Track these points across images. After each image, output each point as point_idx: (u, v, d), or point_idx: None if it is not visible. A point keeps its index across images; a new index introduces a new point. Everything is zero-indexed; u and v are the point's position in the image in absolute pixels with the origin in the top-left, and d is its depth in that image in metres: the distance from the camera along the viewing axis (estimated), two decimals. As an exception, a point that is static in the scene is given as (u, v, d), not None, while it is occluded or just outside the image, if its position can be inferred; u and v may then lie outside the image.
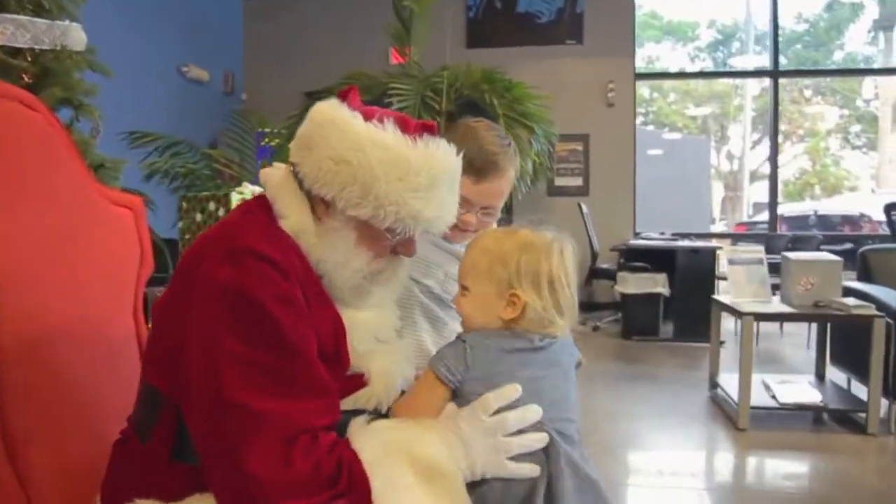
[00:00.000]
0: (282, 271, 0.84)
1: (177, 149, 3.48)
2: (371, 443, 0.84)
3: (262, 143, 6.02)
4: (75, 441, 1.13)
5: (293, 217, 0.92)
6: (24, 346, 1.08)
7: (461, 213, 1.09)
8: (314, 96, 4.80)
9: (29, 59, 1.57)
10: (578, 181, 6.48)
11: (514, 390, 0.88)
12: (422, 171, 0.90)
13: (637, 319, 5.03)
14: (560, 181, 6.43)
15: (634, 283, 5.01)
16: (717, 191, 17.63)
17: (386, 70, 5.65)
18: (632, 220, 6.42)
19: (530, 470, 0.86)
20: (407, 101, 4.98)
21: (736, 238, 7.65)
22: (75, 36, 1.68)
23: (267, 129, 6.28)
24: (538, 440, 0.88)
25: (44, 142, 1.36)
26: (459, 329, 1.05)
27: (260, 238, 0.87)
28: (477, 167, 1.16)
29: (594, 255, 5.78)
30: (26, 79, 1.53)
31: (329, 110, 0.92)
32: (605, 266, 5.74)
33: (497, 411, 0.87)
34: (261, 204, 0.96)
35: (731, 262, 3.38)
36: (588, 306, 6.23)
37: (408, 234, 0.92)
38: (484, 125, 1.25)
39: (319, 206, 0.93)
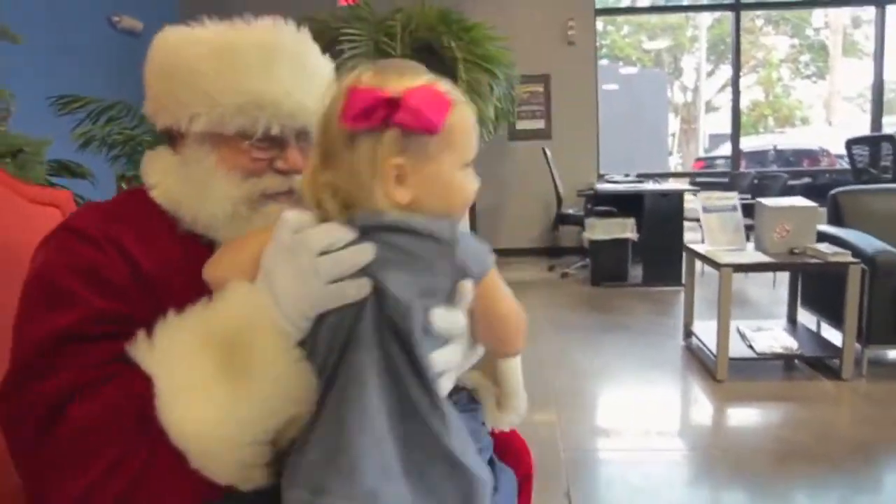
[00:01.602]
0: (92, 241, 0.75)
1: (112, 112, 3.17)
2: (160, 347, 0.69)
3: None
4: None
5: (155, 176, 0.83)
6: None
7: None
8: None
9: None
10: (540, 124, 6.32)
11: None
12: (251, 50, 0.79)
13: (606, 265, 4.99)
14: (522, 125, 6.26)
15: (603, 229, 4.94)
16: (673, 123, 17.69)
17: (335, 13, 5.30)
18: (595, 162, 6.32)
19: (357, 288, 0.65)
20: (359, 48, 4.69)
21: (699, 177, 7.64)
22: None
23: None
24: (361, 251, 0.66)
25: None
26: None
27: (85, 214, 0.82)
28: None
29: (559, 200, 5.68)
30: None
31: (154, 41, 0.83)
32: (570, 211, 5.66)
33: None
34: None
35: (705, 209, 3.30)
36: (555, 252, 6.18)
37: (264, 130, 0.79)
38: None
39: (175, 143, 0.84)
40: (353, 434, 0.63)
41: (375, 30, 4.86)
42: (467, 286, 0.68)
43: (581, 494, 2.09)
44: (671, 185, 5.35)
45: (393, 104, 0.66)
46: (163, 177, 0.83)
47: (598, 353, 3.50)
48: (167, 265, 0.78)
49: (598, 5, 6.37)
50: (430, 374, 0.67)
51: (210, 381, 0.65)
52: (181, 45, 0.80)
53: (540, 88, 6.23)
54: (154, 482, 0.66)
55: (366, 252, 0.65)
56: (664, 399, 2.88)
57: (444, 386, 0.69)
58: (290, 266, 0.66)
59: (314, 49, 0.87)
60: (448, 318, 0.67)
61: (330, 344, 0.67)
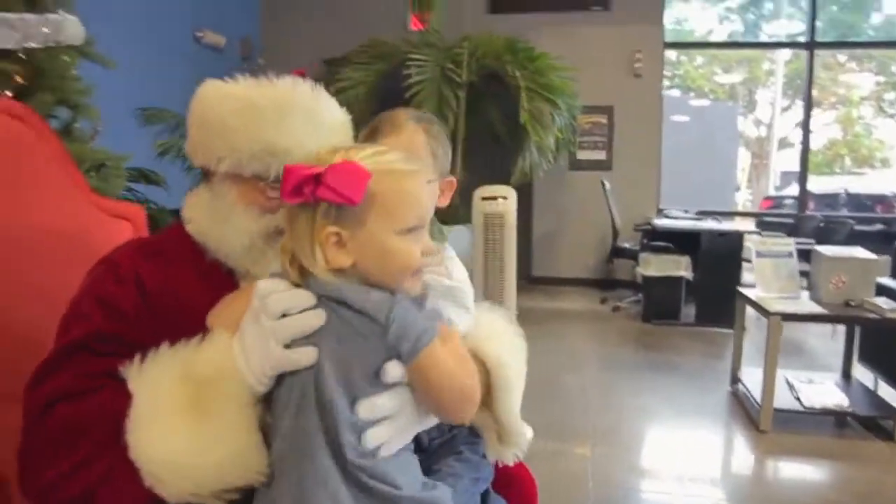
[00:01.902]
0: (117, 276, 0.89)
1: (189, 125, 3.38)
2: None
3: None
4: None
5: (190, 212, 0.95)
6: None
7: None
8: (333, 63, 4.62)
9: (23, 56, 1.47)
10: (601, 155, 6.30)
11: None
12: (268, 107, 0.89)
13: (658, 302, 4.92)
14: (582, 155, 6.25)
15: (657, 265, 4.88)
16: (744, 158, 17.22)
17: (406, 38, 5.46)
18: (656, 197, 6.25)
19: (305, 355, 0.73)
20: (425, 73, 4.83)
21: (763, 217, 7.42)
22: (71, 31, 1.57)
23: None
24: (314, 317, 0.74)
25: (30, 157, 1.28)
26: None
27: (125, 249, 0.95)
28: (372, 132, 1.03)
29: (615, 233, 5.65)
30: (19, 80, 1.44)
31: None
32: (626, 245, 5.61)
33: None
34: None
35: (759, 254, 3.24)
36: (608, 284, 6.13)
37: (276, 174, 0.88)
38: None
39: (207, 179, 0.95)
40: (310, 487, 0.73)
41: (443, 56, 4.98)
42: (393, 369, 0.73)
43: (606, 534, 2.09)
44: (730, 224, 5.24)
45: (318, 180, 0.73)
46: (196, 212, 0.95)
47: (642, 391, 3.47)
48: (187, 294, 0.89)
49: (669, 38, 6.34)
50: (350, 457, 0.73)
51: (178, 412, 0.74)
52: (215, 99, 0.92)
53: (603, 119, 6.22)
54: (116, 484, 0.76)
55: (316, 318, 0.74)
56: (703, 444, 2.83)
57: (379, 435, 0.75)
58: (255, 327, 0.75)
59: (328, 104, 0.95)
60: (375, 408, 0.74)
61: (286, 402, 0.75)
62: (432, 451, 1.06)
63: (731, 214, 6.83)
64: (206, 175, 0.95)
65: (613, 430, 2.94)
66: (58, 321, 0.89)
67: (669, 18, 9.05)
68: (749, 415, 3.04)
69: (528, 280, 6.43)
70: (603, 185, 5.71)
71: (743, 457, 2.76)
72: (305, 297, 0.75)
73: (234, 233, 0.90)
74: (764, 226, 6.58)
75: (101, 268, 0.92)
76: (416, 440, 0.87)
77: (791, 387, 3.11)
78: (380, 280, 0.77)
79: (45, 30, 1.48)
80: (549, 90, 4.90)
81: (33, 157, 1.27)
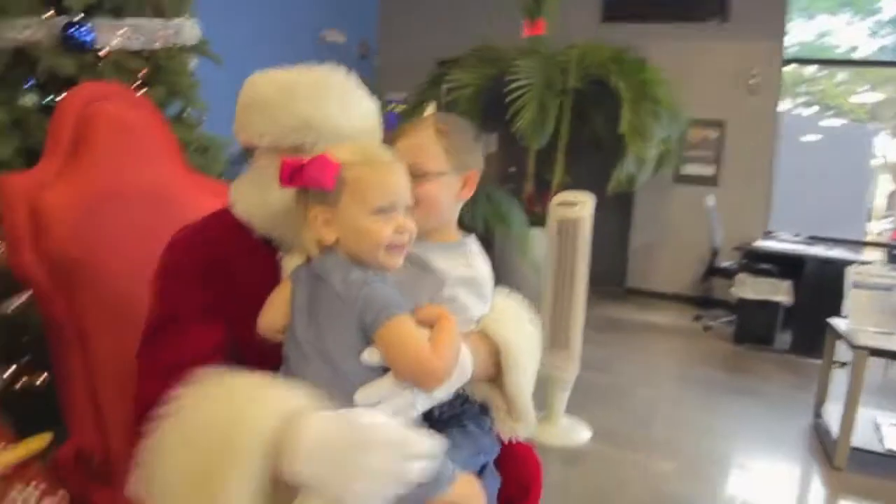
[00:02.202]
0: (177, 249, 1.05)
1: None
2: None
3: (388, 110, 6.18)
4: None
5: (234, 195, 1.08)
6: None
7: None
8: (446, 64, 4.81)
9: (146, 56, 1.73)
10: (709, 170, 6.09)
11: None
12: (309, 87, 1.03)
13: (751, 325, 4.73)
14: (688, 169, 6.07)
15: (753, 288, 4.69)
16: (885, 184, 15.84)
17: (516, 44, 5.55)
18: (764, 218, 5.97)
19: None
20: (528, 79, 4.90)
21: (893, 249, 6.86)
22: (188, 33, 1.82)
23: (394, 97, 6.46)
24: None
25: (143, 136, 1.51)
26: None
27: (185, 228, 1.08)
28: (396, 134, 1.09)
29: (714, 251, 5.46)
30: (140, 77, 1.70)
31: None
32: (724, 265, 5.42)
33: None
34: None
35: (856, 284, 3.08)
36: (703, 303, 5.93)
37: (311, 145, 1.00)
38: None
39: (250, 155, 1.08)
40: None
41: (547, 63, 5.04)
42: (370, 353, 0.87)
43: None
44: (840, 252, 4.92)
45: (299, 170, 0.89)
46: (240, 192, 1.08)
47: (716, 412, 3.38)
48: (237, 270, 1.04)
49: (807, 53, 6.02)
50: None
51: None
52: (261, 82, 1.06)
53: (713, 134, 6.02)
54: None
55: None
56: (768, 472, 2.75)
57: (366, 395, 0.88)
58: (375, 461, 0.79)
59: (360, 90, 1.09)
60: (368, 395, 0.88)
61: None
62: (441, 422, 1.17)
63: (850, 243, 6.36)
64: (248, 152, 1.08)
65: (676, 444, 2.91)
66: (148, 264, 1.07)
67: (812, 32, 8.48)
68: (825, 450, 2.90)
69: (622, 291, 6.35)
70: (706, 201, 5.54)
71: (811, 491, 2.65)
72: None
73: (274, 201, 1.01)
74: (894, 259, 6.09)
75: (183, 236, 1.07)
76: (427, 412, 0.98)
77: (877, 427, 2.93)
78: (358, 255, 0.91)
79: (166, 32, 1.73)
80: (654, 102, 4.83)
81: (146, 136, 1.51)
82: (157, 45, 1.71)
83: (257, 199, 1.05)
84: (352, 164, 0.91)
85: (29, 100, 1.55)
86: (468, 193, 1.13)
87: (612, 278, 6.33)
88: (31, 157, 1.52)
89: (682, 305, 5.97)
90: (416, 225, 0.98)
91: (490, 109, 5.33)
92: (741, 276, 4.81)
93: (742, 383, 3.92)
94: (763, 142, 5.90)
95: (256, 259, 1.06)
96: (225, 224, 1.08)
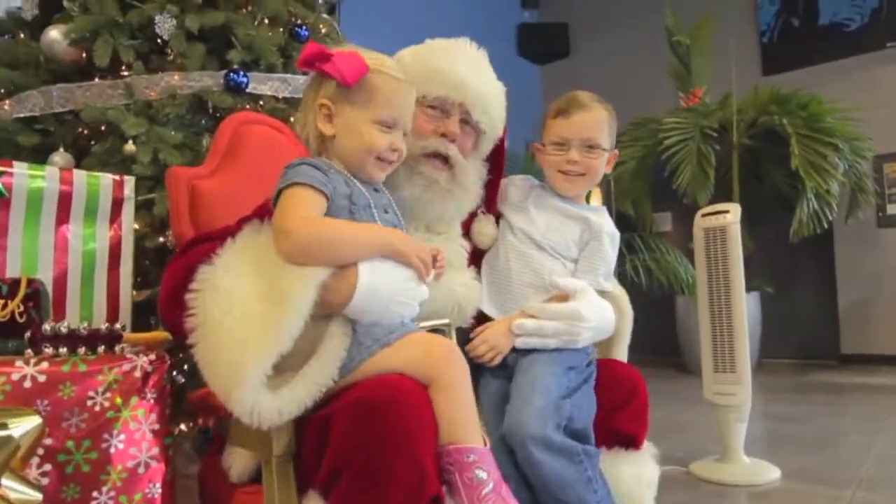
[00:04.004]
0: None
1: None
2: None
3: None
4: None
5: None
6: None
7: (563, 153, 1.31)
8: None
9: (287, 100, 2.12)
10: (921, 209, 5.37)
11: None
12: (440, 46, 1.21)
13: None
14: (893, 209, 5.41)
15: None
16: None
17: (668, 110, 5.52)
18: None
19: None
20: (683, 135, 4.83)
21: None
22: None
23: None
24: None
25: (283, 155, 1.83)
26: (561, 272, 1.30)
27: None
28: (561, 108, 1.32)
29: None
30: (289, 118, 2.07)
31: None
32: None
33: None
34: None
35: None
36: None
37: (435, 95, 1.15)
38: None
39: None
40: None
41: (701, 117, 4.96)
42: None
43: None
44: None
45: (326, 58, 0.98)
46: None
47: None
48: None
49: None
50: None
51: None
52: (403, 52, 1.24)
53: (918, 168, 5.36)
54: None
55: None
56: None
57: None
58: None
59: (488, 63, 1.26)
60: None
61: None
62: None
63: None
64: None
65: (886, 480, 2.46)
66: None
67: None
68: None
69: (838, 360, 5.58)
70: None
71: None
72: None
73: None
74: None
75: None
76: None
77: None
78: (348, 156, 1.03)
79: (303, 84, 2.11)
80: (827, 133, 4.49)
81: (285, 151, 1.83)
82: (298, 95, 2.09)
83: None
84: (374, 70, 1.02)
85: (206, 142, 1.96)
86: (609, 168, 1.38)
87: (823, 346, 5.61)
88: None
89: (912, 364, 5.10)
90: (577, 189, 1.33)
91: (658, 186, 5.27)
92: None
93: None
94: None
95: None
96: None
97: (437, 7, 5.72)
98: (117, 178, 1.46)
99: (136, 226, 1.65)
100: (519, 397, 1.09)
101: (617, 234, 1.36)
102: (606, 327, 1.28)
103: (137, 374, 1.04)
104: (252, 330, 0.88)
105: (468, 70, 1.18)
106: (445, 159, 1.19)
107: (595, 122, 1.31)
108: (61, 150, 1.86)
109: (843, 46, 5.53)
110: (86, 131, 1.90)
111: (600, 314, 1.24)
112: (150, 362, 1.07)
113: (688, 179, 4.74)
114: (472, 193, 1.25)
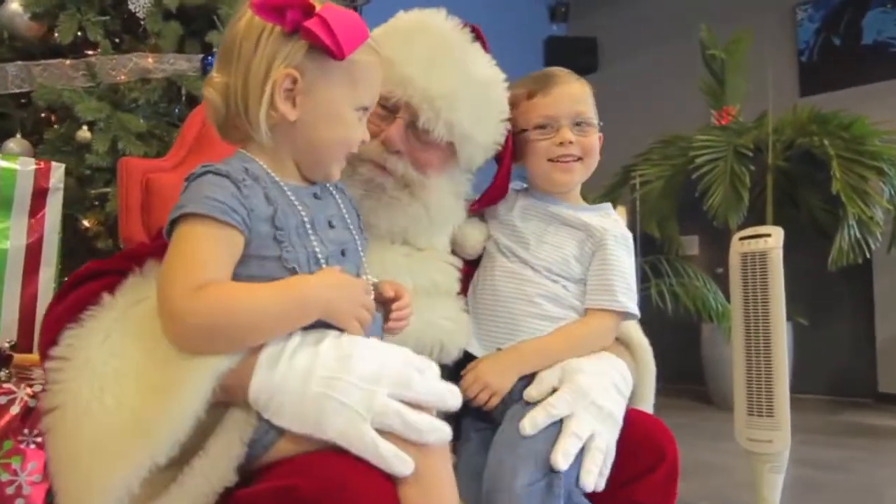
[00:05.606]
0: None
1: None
2: None
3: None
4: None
5: None
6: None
7: (551, 135, 1.11)
8: (630, 169, 4.67)
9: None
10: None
11: None
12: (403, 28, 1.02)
13: None
14: (939, 241, 5.05)
15: None
16: None
17: (699, 128, 5.26)
18: None
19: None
20: (717, 154, 4.56)
21: None
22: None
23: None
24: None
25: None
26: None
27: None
28: (537, 86, 1.15)
29: None
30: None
31: None
32: None
33: None
34: None
35: None
36: None
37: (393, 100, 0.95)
38: None
39: None
40: None
41: (735, 135, 4.69)
42: None
43: None
44: None
45: (308, 11, 0.66)
46: None
47: None
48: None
49: None
50: None
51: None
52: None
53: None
54: None
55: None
56: None
57: None
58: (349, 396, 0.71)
59: (469, 50, 1.04)
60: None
61: None
62: None
63: None
64: None
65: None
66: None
67: None
68: None
69: (874, 398, 5.21)
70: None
71: None
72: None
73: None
74: None
75: None
76: None
77: None
78: (311, 150, 0.74)
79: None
80: (872, 157, 4.19)
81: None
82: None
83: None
84: (369, 47, 0.76)
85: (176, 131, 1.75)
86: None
87: (859, 383, 5.25)
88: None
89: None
90: (575, 178, 1.12)
91: (686, 207, 5.01)
92: None
93: None
94: None
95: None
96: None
97: (463, 18, 5.54)
98: (41, 164, 1.22)
99: (87, 224, 1.43)
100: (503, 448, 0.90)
101: (628, 235, 1.12)
102: (623, 391, 1.03)
103: (15, 409, 0.78)
104: (123, 428, 0.64)
105: (423, 60, 0.93)
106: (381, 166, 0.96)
107: (581, 93, 1.16)
108: (18, 136, 1.65)
109: (887, 67, 5.22)
110: (49, 116, 1.69)
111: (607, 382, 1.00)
112: (36, 394, 0.81)
113: (719, 200, 4.46)
114: (445, 210, 1.03)
